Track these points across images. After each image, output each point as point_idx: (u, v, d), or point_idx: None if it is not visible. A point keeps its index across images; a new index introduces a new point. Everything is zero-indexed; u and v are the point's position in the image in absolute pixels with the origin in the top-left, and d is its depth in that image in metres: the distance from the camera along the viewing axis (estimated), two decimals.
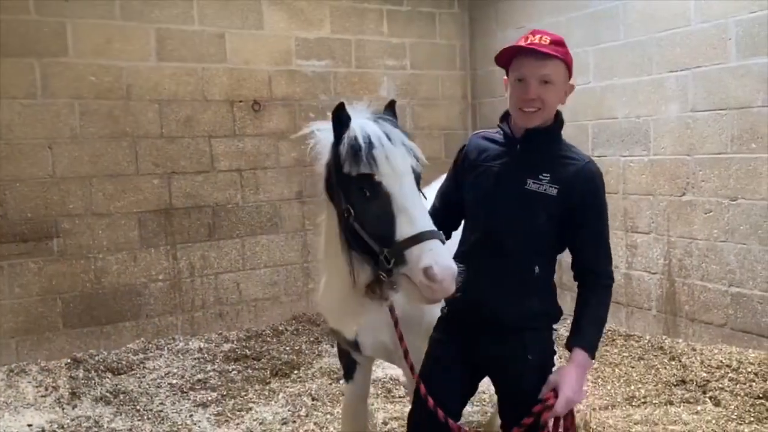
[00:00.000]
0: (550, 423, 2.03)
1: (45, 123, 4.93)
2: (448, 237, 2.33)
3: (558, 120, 2.20)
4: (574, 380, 2.01)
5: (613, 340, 4.99)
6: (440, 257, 1.91)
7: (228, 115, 5.66)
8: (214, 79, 5.58)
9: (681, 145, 4.78)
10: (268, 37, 5.80)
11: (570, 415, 2.06)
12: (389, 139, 2.08)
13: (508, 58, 2.15)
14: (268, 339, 5.42)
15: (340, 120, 2.11)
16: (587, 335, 2.08)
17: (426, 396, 2.15)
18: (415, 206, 2.02)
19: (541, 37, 2.08)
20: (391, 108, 2.26)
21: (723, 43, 4.43)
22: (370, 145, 2.04)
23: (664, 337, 4.88)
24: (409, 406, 3.44)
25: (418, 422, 2.27)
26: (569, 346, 2.08)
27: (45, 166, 4.94)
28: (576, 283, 2.20)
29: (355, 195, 2.08)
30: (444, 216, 2.36)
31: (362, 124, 2.10)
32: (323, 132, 2.26)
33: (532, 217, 2.11)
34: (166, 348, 5.18)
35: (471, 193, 2.27)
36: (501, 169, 2.18)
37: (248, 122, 5.76)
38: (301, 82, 5.99)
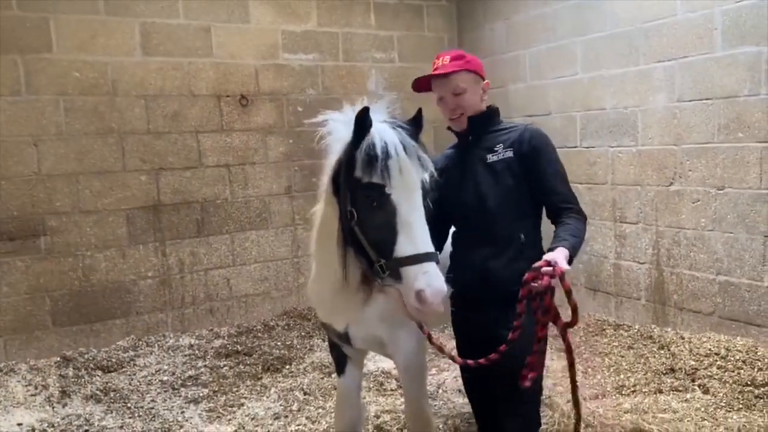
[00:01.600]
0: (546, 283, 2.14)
1: (30, 120, 4.87)
2: (445, 237, 2.63)
3: (491, 106, 2.61)
4: (561, 254, 2.19)
5: (603, 329, 5.02)
6: (434, 280, 2.02)
7: (215, 109, 5.63)
8: (201, 73, 5.54)
9: (668, 135, 4.80)
10: (254, 30, 5.76)
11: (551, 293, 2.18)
12: (405, 150, 2.12)
13: (426, 84, 2.55)
14: (259, 334, 5.41)
15: (363, 125, 2.13)
16: (567, 241, 2.28)
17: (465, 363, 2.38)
18: (418, 224, 2.09)
19: (442, 59, 2.50)
20: (418, 117, 2.33)
21: (709, 33, 4.45)
22: (386, 155, 2.08)
23: (653, 326, 4.92)
24: (401, 400, 3.46)
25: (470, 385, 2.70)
26: (550, 249, 2.25)
27: (30, 163, 4.89)
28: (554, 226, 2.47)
29: (362, 201, 2.12)
30: (439, 219, 2.54)
31: (382, 131, 2.13)
32: (337, 123, 2.28)
33: (502, 184, 2.43)
34: (156, 345, 5.15)
35: (448, 191, 2.52)
36: (461, 159, 2.57)
37: (236, 117, 5.73)
38: (288, 76, 5.96)
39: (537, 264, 2.18)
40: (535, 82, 5.96)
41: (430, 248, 2.08)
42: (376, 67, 6.44)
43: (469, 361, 2.31)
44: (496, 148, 2.47)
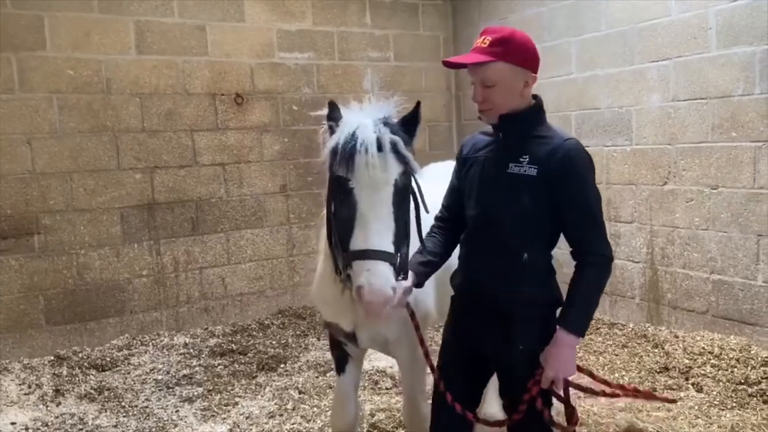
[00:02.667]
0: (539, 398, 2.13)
1: (23, 118, 4.85)
2: (461, 231, 2.39)
3: (534, 104, 2.20)
4: (554, 358, 2.07)
5: (598, 328, 5.03)
6: (375, 279, 1.98)
7: (210, 108, 5.62)
8: (196, 72, 5.52)
9: (663, 135, 4.81)
10: (249, 29, 5.75)
11: (566, 392, 2.16)
12: (380, 146, 2.09)
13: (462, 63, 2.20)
14: (254, 333, 5.40)
15: (332, 118, 2.17)
16: (570, 315, 2.10)
17: (444, 392, 2.26)
18: (375, 221, 2.06)
19: (483, 39, 2.11)
20: (415, 112, 2.27)
21: (703, 33, 4.47)
22: (352, 149, 2.07)
23: (647, 324, 4.93)
24: (396, 398, 3.44)
25: (438, 416, 2.39)
26: (556, 326, 2.13)
27: (24, 161, 4.87)
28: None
29: (335, 193, 2.17)
30: (454, 213, 2.41)
31: (356, 125, 2.12)
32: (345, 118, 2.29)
33: (517, 200, 2.11)
34: (150, 344, 5.14)
35: (465, 185, 2.32)
36: (487, 157, 2.25)
37: (231, 116, 5.72)
38: (283, 74, 5.95)
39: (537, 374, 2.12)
40: None
41: (383, 246, 2.04)
42: (371, 66, 6.43)
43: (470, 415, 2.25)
44: (522, 159, 2.11)
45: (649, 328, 4.83)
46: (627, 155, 5.09)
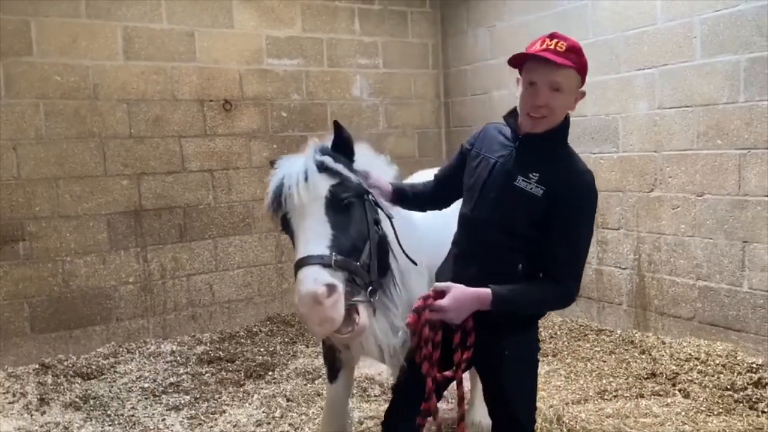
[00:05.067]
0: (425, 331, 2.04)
1: (9, 124, 4.81)
2: (442, 207, 2.53)
3: (563, 124, 2.16)
4: (457, 299, 1.99)
5: (585, 335, 5.05)
6: (301, 285, 1.93)
7: (198, 114, 5.60)
8: (184, 78, 5.51)
9: (649, 142, 4.85)
10: (238, 35, 5.75)
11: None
12: (305, 175, 2.14)
13: (522, 59, 2.12)
14: (242, 340, 5.37)
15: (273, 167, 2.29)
16: (504, 288, 2.04)
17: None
18: (305, 231, 2.08)
19: (557, 43, 2.05)
20: (336, 131, 2.28)
21: (689, 41, 4.51)
22: (281, 186, 2.18)
23: (634, 331, 4.96)
24: (385, 405, 3.41)
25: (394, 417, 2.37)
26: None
27: (9, 167, 4.83)
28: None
29: (283, 230, 2.28)
30: (444, 186, 2.49)
31: (285, 166, 2.23)
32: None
33: (515, 215, 2.09)
34: (137, 351, 5.10)
35: (468, 179, 2.30)
36: (497, 162, 2.19)
37: (219, 122, 5.70)
38: (272, 81, 5.94)
39: (423, 295, 2.05)
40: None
41: (310, 252, 2.00)
42: (360, 73, 6.45)
43: (447, 373, 2.13)
44: (531, 176, 2.07)
45: (637, 335, 4.85)
46: (614, 162, 5.13)
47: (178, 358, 4.99)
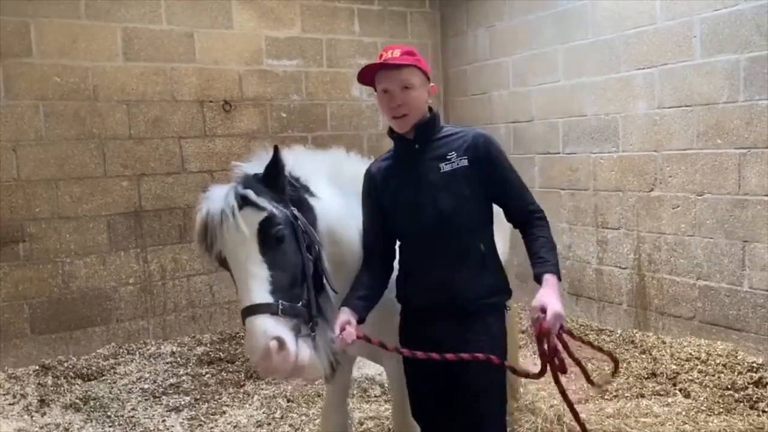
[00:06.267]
0: (546, 342, 2.12)
1: (9, 125, 4.81)
2: (393, 256, 2.44)
3: (433, 112, 2.38)
4: (551, 298, 2.10)
5: (586, 334, 5.04)
6: (251, 339, 1.92)
7: (198, 115, 5.60)
8: (184, 79, 5.51)
9: (649, 142, 4.85)
10: (237, 36, 5.75)
11: (562, 330, 2.16)
12: (231, 211, 2.04)
13: (370, 77, 2.34)
14: (242, 341, 5.36)
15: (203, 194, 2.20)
16: (550, 262, 2.21)
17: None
18: (244, 278, 2.02)
19: (392, 52, 2.29)
20: (274, 156, 2.14)
21: (688, 41, 4.51)
22: (206, 224, 2.11)
23: (634, 330, 4.95)
24: (386, 406, 3.41)
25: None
26: (539, 275, 2.19)
27: (9, 169, 4.83)
28: (518, 230, 2.37)
29: (221, 267, 2.22)
30: (381, 244, 2.41)
31: (212, 199, 2.13)
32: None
33: (459, 194, 2.24)
34: (137, 353, 5.09)
35: (394, 204, 2.34)
36: (409, 170, 2.32)
37: (219, 122, 5.70)
38: (272, 81, 5.94)
39: (533, 317, 2.11)
40: (517, 89, 6.01)
41: (254, 300, 1.96)
42: None
43: (434, 355, 2.16)
44: (449, 156, 2.26)
45: (637, 334, 4.85)
46: (614, 162, 5.13)
47: (179, 359, 4.99)
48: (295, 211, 2.16)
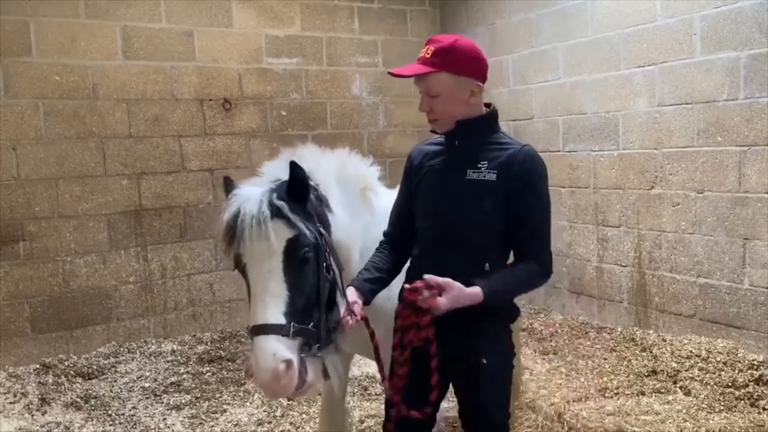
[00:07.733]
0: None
1: (8, 124, 4.81)
2: (410, 246, 2.30)
3: (488, 112, 2.20)
4: (453, 296, 1.95)
5: (586, 332, 5.05)
6: (259, 359, 1.89)
7: (198, 114, 5.59)
8: (183, 77, 5.50)
9: (649, 139, 4.85)
10: (237, 34, 5.74)
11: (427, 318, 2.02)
12: (258, 219, 1.98)
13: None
14: (243, 340, 5.37)
15: (226, 192, 2.12)
16: (491, 280, 2.03)
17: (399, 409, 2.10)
18: (262, 293, 1.98)
19: (427, 49, 2.11)
20: (292, 172, 2.05)
21: (688, 39, 4.51)
22: (236, 223, 2.02)
23: (635, 328, 4.95)
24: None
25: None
26: (474, 283, 2.00)
27: (9, 168, 4.83)
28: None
29: (236, 269, 2.16)
30: (402, 227, 2.33)
31: (243, 198, 2.05)
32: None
33: (476, 206, 2.08)
34: (138, 351, 5.10)
35: (419, 193, 2.25)
36: (443, 164, 2.20)
37: (219, 121, 5.70)
38: (272, 80, 5.94)
39: (417, 284, 1.98)
40: (518, 87, 6.00)
41: (269, 319, 1.93)
42: (360, 72, 6.44)
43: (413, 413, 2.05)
44: (480, 165, 2.09)
45: (637, 332, 4.85)
46: (614, 160, 5.12)
47: (179, 357, 4.99)
48: (321, 228, 2.12)
